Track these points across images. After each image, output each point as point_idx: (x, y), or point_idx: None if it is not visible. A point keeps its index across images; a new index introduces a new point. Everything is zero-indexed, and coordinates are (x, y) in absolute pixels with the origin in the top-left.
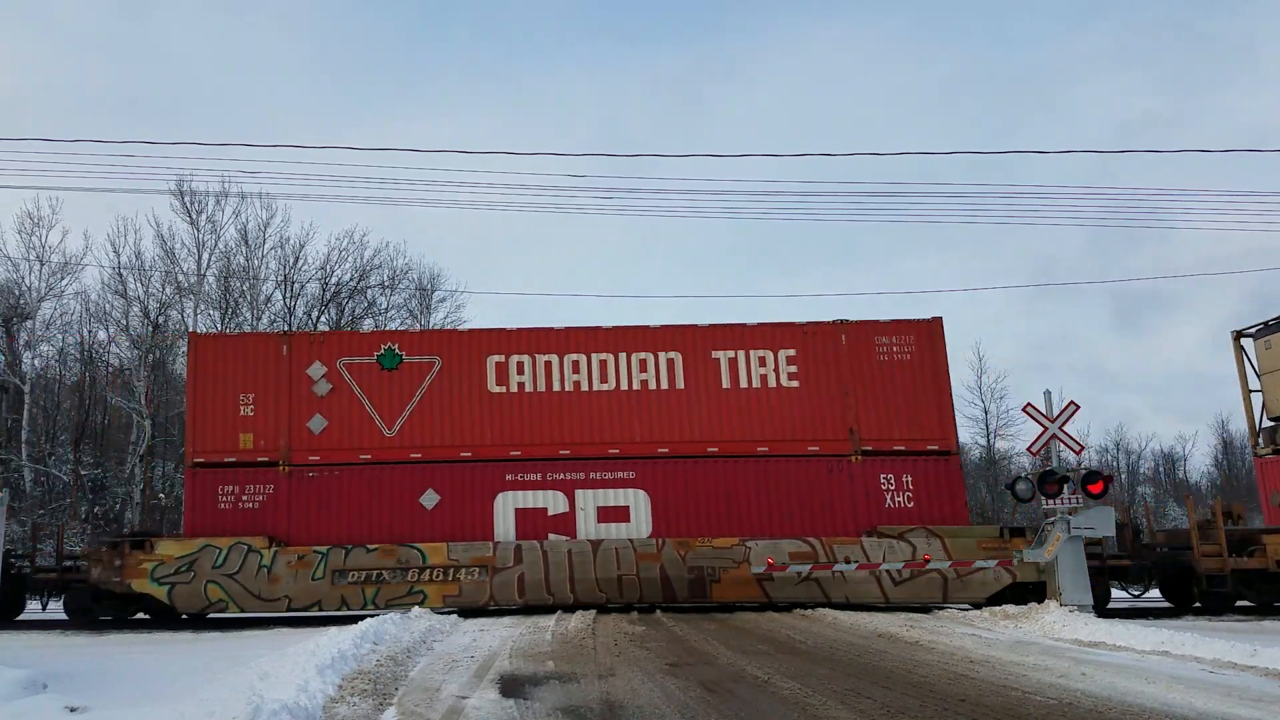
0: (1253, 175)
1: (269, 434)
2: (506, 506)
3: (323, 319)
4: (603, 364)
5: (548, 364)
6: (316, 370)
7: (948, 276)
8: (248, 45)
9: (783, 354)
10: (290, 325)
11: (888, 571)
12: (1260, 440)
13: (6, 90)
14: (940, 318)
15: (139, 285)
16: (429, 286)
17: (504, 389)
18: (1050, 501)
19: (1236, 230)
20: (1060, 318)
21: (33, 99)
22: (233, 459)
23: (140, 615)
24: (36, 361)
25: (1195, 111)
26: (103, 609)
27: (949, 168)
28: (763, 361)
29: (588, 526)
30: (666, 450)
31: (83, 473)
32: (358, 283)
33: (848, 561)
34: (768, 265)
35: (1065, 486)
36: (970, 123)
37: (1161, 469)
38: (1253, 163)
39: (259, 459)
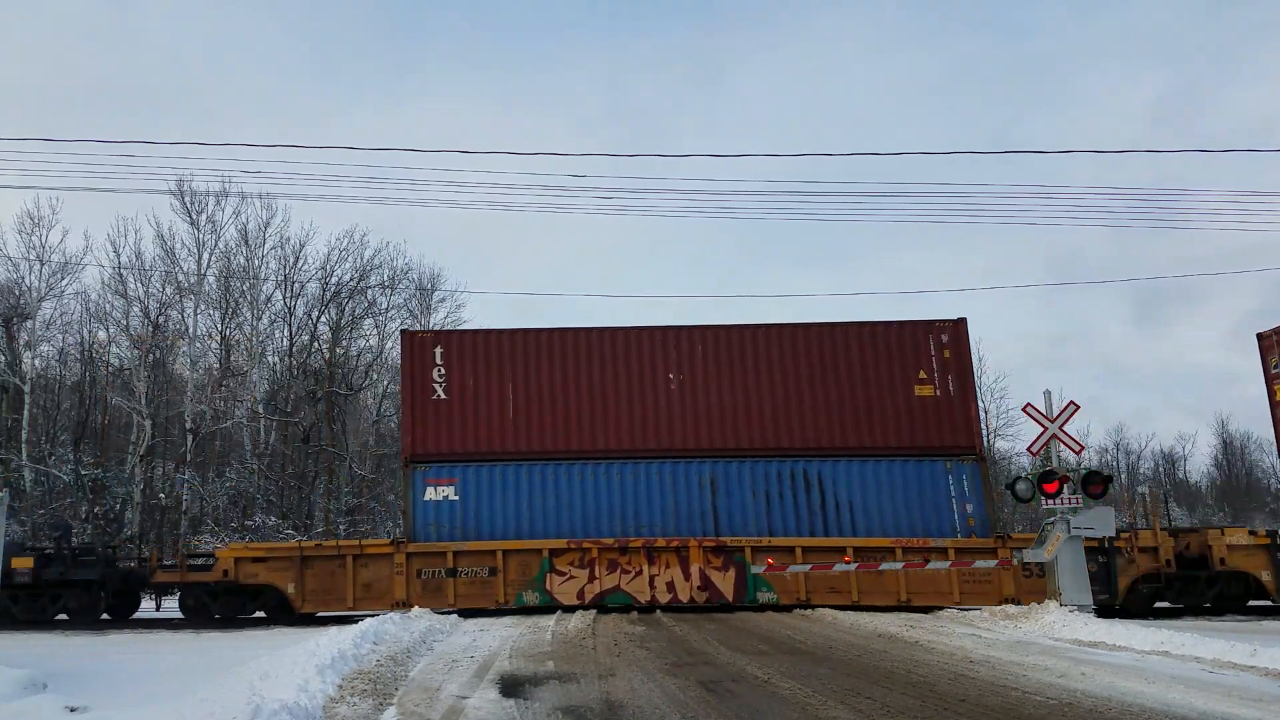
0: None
1: None
2: None
3: (323, 319)
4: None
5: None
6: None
7: (956, 274)
8: (240, 31)
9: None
10: (290, 326)
11: None
12: None
13: (4, 89)
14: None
15: (139, 285)
16: (429, 286)
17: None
18: (1050, 501)
19: (1240, 230)
20: (1080, 313)
21: (29, 97)
22: None
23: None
24: (36, 361)
25: (1212, 100)
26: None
27: (953, 163)
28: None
29: None
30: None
31: (83, 473)
32: (358, 283)
33: (847, 562)
34: (767, 264)
35: (1065, 486)
36: (977, 112)
37: (1161, 469)
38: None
39: None
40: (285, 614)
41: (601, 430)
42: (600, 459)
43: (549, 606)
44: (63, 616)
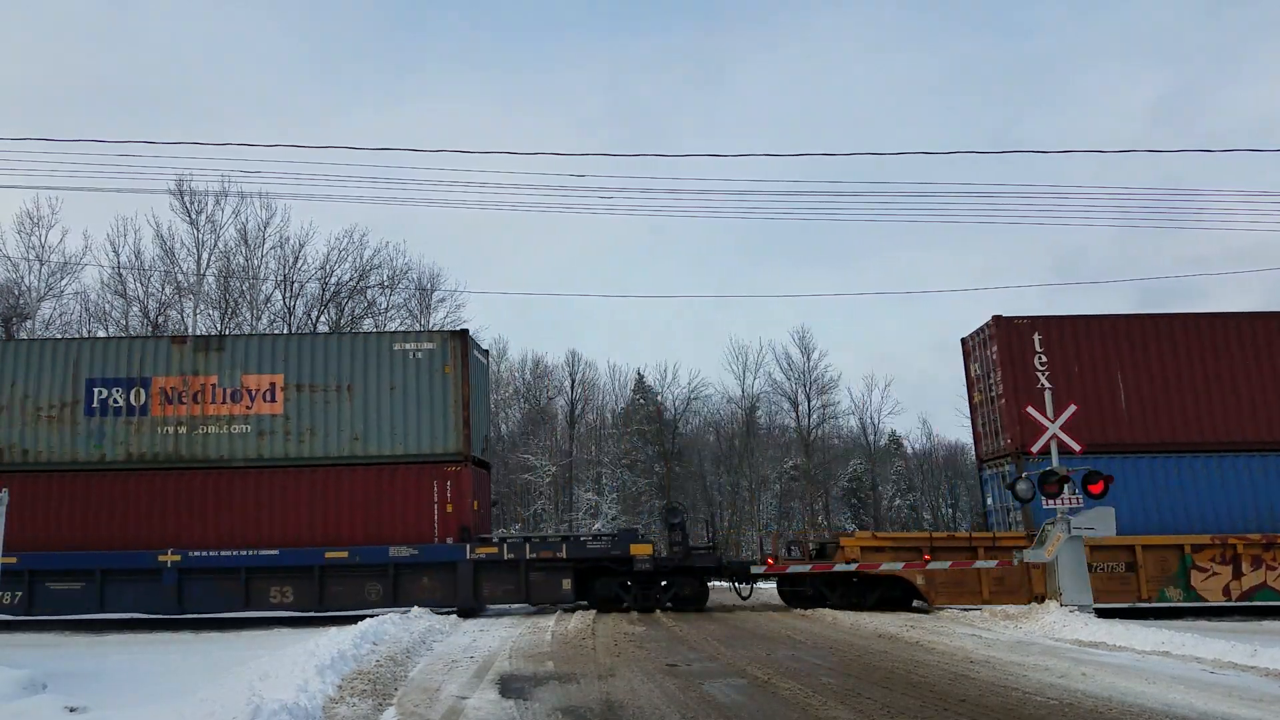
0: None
1: None
2: None
3: (322, 319)
4: None
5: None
6: None
7: (962, 274)
8: (240, 31)
9: None
10: (290, 325)
11: None
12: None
13: (4, 89)
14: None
15: (139, 285)
16: (429, 286)
17: None
18: (1050, 501)
19: (1243, 230)
20: (1085, 312)
21: (29, 97)
22: None
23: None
24: None
25: (1212, 100)
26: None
27: (952, 163)
28: None
29: None
30: None
31: None
32: (357, 283)
33: (847, 562)
34: (769, 263)
35: (1065, 486)
36: (978, 112)
37: None
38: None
39: None
40: (902, 606)
41: (1221, 420)
42: (1229, 450)
43: (1192, 605)
44: (668, 605)
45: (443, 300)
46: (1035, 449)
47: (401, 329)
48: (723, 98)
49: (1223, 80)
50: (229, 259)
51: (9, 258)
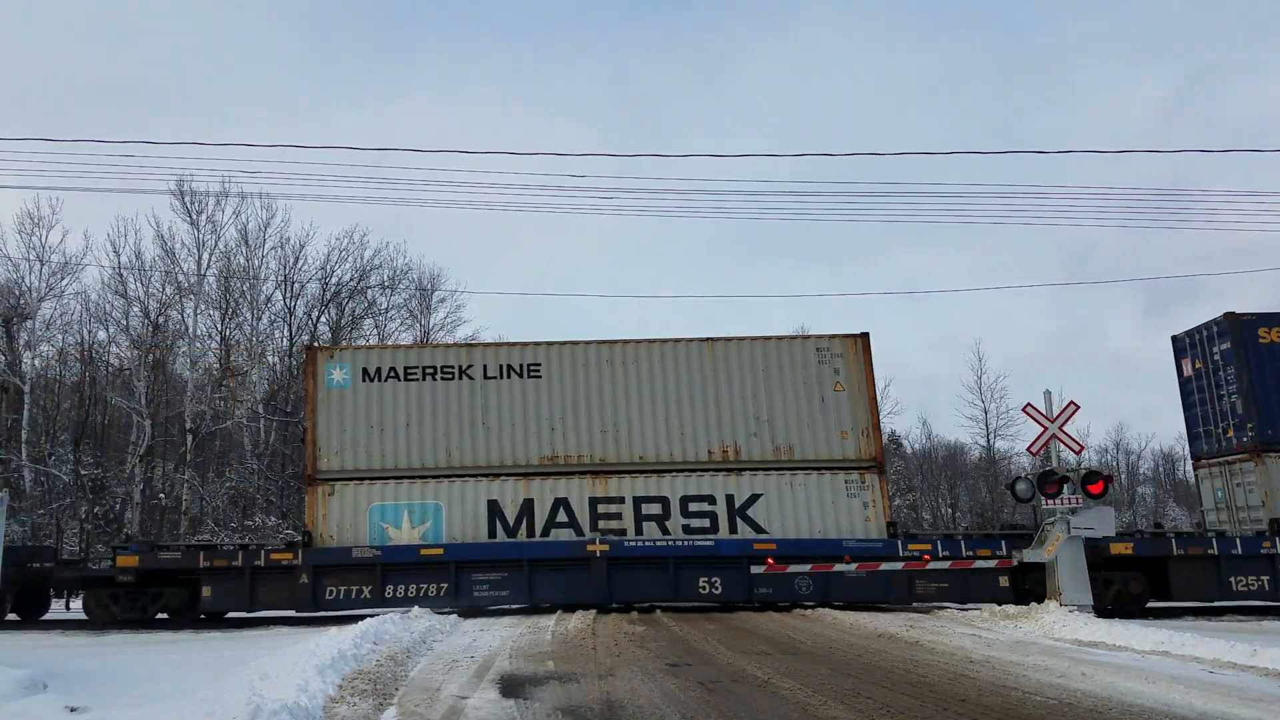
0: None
1: None
2: None
3: (323, 319)
4: None
5: None
6: None
7: (968, 273)
8: (240, 30)
9: None
10: (290, 326)
11: None
12: None
13: (4, 89)
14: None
15: (139, 285)
16: (429, 286)
17: None
18: (1050, 501)
19: (1252, 228)
20: (1092, 311)
21: (29, 97)
22: None
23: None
24: (36, 361)
25: (1223, 94)
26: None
27: (952, 162)
28: None
29: None
30: None
31: (83, 473)
32: (358, 283)
33: (847, 562)
34: (768, 263)
35: (1065, 486)
36: (986, 108)
37: (1161, 469)
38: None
39: None
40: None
41: None
42: None
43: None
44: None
45: (443, 300)
46: (1035, 449)
47: None
48: (726, 94)
49: (1237, 72)
50: (229, 259)
51: (9, 258)
